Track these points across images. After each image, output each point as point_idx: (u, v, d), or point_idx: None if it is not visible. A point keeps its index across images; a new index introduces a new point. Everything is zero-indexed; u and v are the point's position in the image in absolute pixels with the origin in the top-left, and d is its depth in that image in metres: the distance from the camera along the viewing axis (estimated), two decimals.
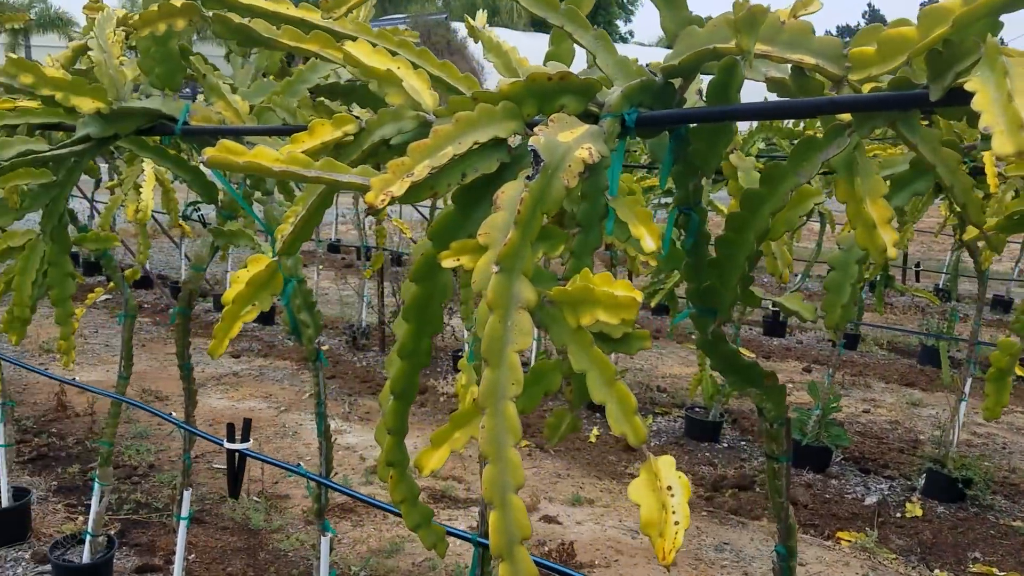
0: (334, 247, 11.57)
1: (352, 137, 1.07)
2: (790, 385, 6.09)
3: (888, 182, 1.10)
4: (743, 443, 4.80)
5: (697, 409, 4.95)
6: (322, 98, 1.78)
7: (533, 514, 3.68)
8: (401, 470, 1.01)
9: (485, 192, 1.01)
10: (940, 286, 8.91)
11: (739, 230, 1.01)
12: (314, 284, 7.30)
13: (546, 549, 3.25)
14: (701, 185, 1.08)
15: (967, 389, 4.00)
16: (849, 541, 3.52)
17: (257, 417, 4.95)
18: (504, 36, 1.53)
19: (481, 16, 1.64)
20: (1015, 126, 0.62)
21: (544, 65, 1.33)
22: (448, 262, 0.91)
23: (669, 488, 0.77)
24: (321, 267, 8.93)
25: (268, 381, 5.71)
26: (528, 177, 0.88)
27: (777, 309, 7.76)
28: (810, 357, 6.77)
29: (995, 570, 3.36)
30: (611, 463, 4.46)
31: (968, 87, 0.67)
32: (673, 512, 0.75)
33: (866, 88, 0.90)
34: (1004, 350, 1.36)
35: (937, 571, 3.36)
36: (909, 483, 4.15)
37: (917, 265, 9.18)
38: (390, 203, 0.90)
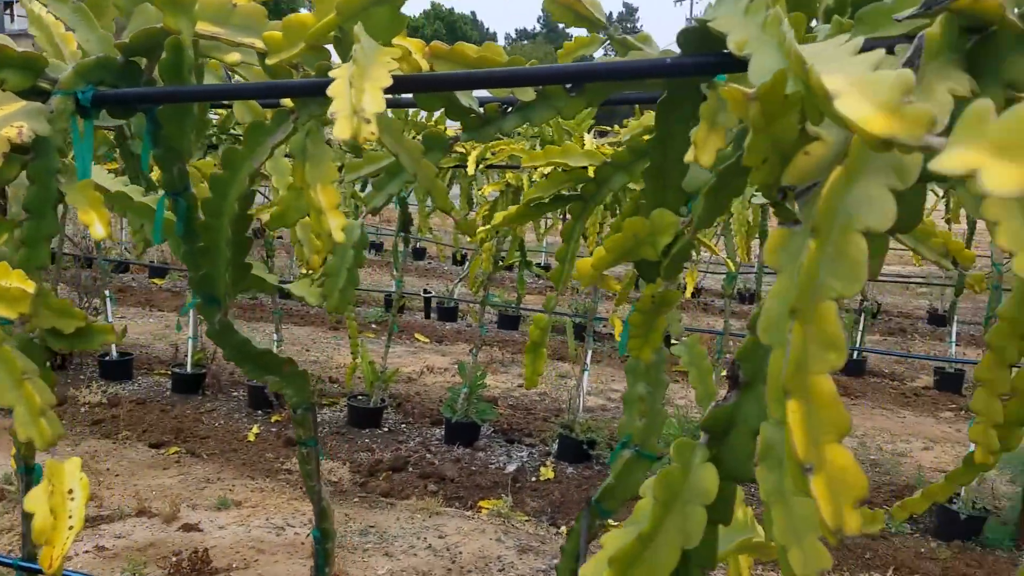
0: None
1: None
2: (457, 366, 6.36)
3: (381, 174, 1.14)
4: (403, 425, 4.92)
5: (360, 397, 4.97)
6: None
7: (172, 524, 3.45)
8: None
9: None
10: None
11: (214, 215, 0.99)
12: None
13: (175, 560, 3.06)
14: (186, 169, 1.04)
15: (588, 360, 4.47)
16: (488, 509, 3.75)
17: None
18: None
19: None
20: (352, 112, 0.65)
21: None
22: None
23: (70, 492, 0.72)
24: None
25: None
26: None
27: (431, 296, 8.08)
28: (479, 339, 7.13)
29: (610, 520, 3.79)
30: (268, 460, 4.33)
31: (331, 75, 0.70)
32: (70, 516, 0.71)
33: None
34: (536, 324, 1.49)
35: (564, 527, 3.70)
36: (546, 448, 4.54)
37: None
38: None
